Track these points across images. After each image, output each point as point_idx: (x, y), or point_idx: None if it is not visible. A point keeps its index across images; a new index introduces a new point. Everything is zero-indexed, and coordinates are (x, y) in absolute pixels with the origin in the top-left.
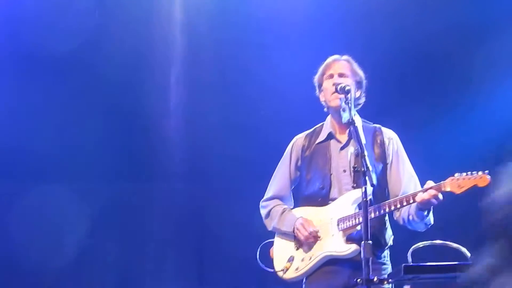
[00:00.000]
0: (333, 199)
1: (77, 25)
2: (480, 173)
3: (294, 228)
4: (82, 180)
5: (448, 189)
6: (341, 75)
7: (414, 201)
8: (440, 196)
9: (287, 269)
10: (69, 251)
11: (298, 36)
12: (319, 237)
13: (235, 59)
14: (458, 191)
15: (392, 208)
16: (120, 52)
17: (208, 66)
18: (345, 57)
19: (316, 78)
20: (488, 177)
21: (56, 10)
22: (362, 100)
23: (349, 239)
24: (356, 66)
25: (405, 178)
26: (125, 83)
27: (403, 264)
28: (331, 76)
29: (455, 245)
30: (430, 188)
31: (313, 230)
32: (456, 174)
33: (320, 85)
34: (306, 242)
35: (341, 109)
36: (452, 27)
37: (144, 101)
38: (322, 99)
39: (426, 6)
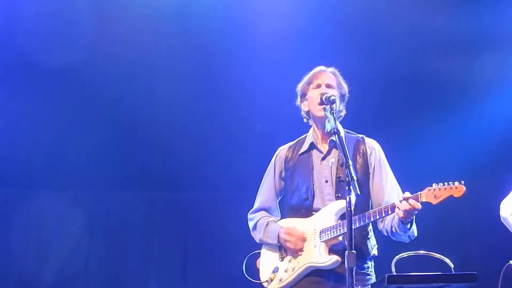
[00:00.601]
0: (316, 210)
1: (76, 36)
2: (456, 183)
3: (278, 239)
4: (72, 188)
5: (424, 199)
6: (328, 86)
7: (392, 212)
8: (418, 206)
9: (272, 280)
10: (60, 254)
11: (286, 47)
12: (306, 241)
13: (225, 71)
14: (434, 201)
15: (372, 219)
16: (117, 62)
17: (196, 77)
18: (331, 69)
19: (300, 87)
20: (464, 187)
21: (54, 22)
22: (343, 112)
23: (332, 250)
24: (341, 79)
25: (388, 188)
26: (119, 95)
27: (387, 274)
28: (319, 86)
29: (438, 255)
30: (408, 198)
31: (299, 235)
32: (433, 185)
33: (304, 94)
34: (294, 250)
35: (326, 120)
36: (438, 42)
37: (131, 110)
38: (305, 108)
39: (413, 19)
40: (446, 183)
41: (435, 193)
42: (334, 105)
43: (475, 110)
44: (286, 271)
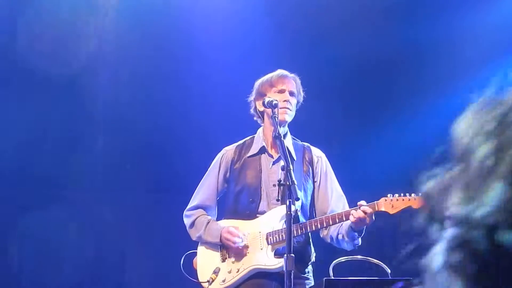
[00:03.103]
0: (262, 213)
1: (76, 49)
2: (413, 195)
3: (220, 238)
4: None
5: (382, 209)
6: (291, 93)
7: (346, 219)
8: (372, 215)
9: (213, 281)
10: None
11: (234, 47)
12: (248, 246)
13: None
14: (391, 211)
15: (324, 224)
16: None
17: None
18: (292, 75)
19: (260, 85)
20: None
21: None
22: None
23: (277, 254)
24: (300, 86)
25: (334, 197)
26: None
27: (325, 278)
28: (282, 91)
29: (375, 260)
30: (365, 206)
31: (241, 235)
32: (388, 195)
33: (263, 94)
34: (236, 250)
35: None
36: (383, 47)
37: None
38: (260, 108)
39: (361, 23)
40: (402, 194)
41: (392, 203)
42: (276, 110)
43: (413, 120)
44: (229, 272)
